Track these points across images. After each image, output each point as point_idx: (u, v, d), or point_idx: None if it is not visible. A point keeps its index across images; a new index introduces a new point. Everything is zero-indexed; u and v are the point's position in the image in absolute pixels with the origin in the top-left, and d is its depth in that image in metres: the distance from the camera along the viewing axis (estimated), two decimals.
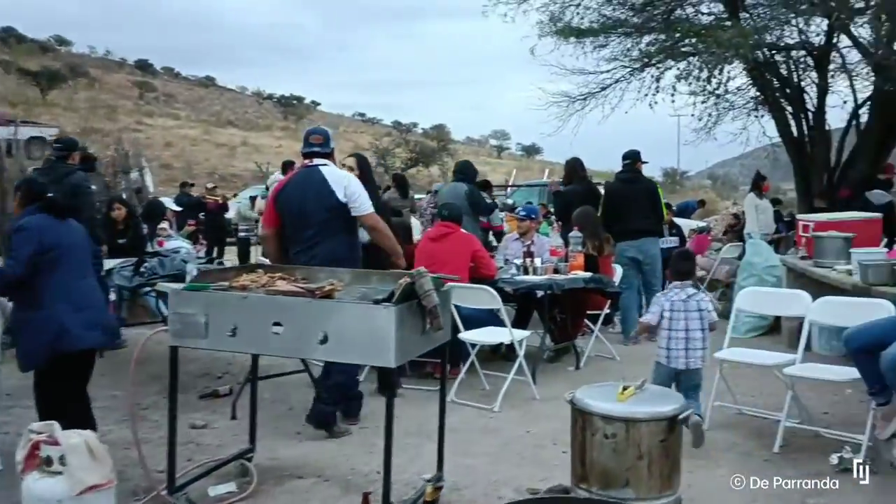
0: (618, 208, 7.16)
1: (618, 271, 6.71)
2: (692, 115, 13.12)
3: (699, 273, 9.30)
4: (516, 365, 5.15)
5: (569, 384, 5.71)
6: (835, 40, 11.79)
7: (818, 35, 11.97)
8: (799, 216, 7.04)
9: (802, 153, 12.67)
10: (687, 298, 4.37)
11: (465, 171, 7.99)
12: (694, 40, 11.46)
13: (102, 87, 54.38)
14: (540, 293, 5.83)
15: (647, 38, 13.03)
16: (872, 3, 8.81)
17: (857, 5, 9.09)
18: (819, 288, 6.18)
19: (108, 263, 6.45)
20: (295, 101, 68.37)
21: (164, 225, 9.47)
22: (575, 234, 6.21)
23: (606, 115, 13.77)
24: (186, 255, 7.46)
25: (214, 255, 13.40)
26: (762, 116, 13.49)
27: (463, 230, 5.97)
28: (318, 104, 76.71)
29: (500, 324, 5.56)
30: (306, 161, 4.66)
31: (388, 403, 3.06)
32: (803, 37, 12.31)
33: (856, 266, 5.26)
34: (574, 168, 7.81)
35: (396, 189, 10.89)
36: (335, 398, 4.54)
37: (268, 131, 53.04)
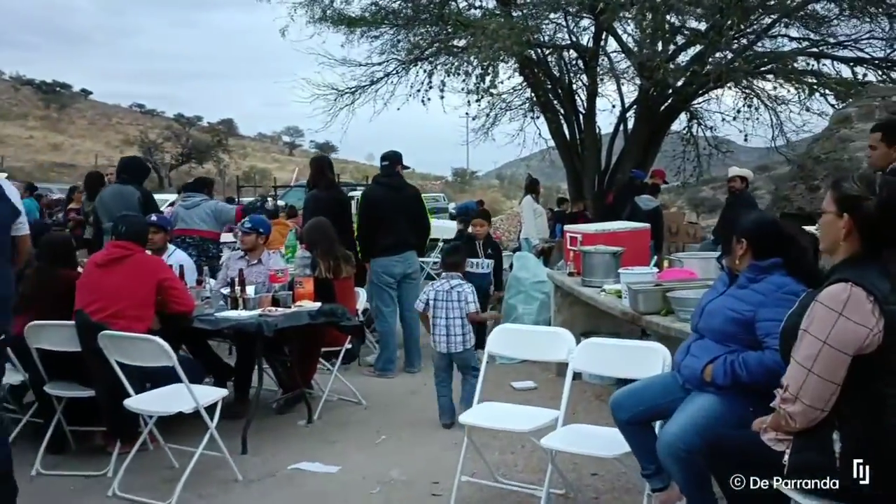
0: (384, 218, 5.99)
1: (362, 296, 5.53)
2: (467, 114, 12.53)
3: None
4: (206, 437, 3.77)
5: (292, 450, 4.44)
6: (603, 42, 11.65)
7: (585, 31, 11.80)
8: (567, 227, 6.33)
9: (574, 157, 12.47)
10: (450, 289, 4.70)
11: (130, 170, 6.43)
12: (464, 34, 10.75)
13: None
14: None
15: (419, 31, 12.22)
16: None
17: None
18: (588, 309, 5.46)
19: None
20: (59, 88, 61.51)
21: None
22: (302, 253, 4.90)
23: (378, 110, 12.84)
24: None
25: None
26: (538, 118, 13.23)
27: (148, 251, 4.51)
28: (90, 92, 69.86)
29: (192, 377, 4.19)
30: None
31: None
32: (573, 37, 12.09)
33: (625, 288, 4.50)
34: (321, 169, 6.51)
35: (86, 190, 8.61)
36: None
37: (21, 121, 46.90)
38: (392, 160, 6.24)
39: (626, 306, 4.42)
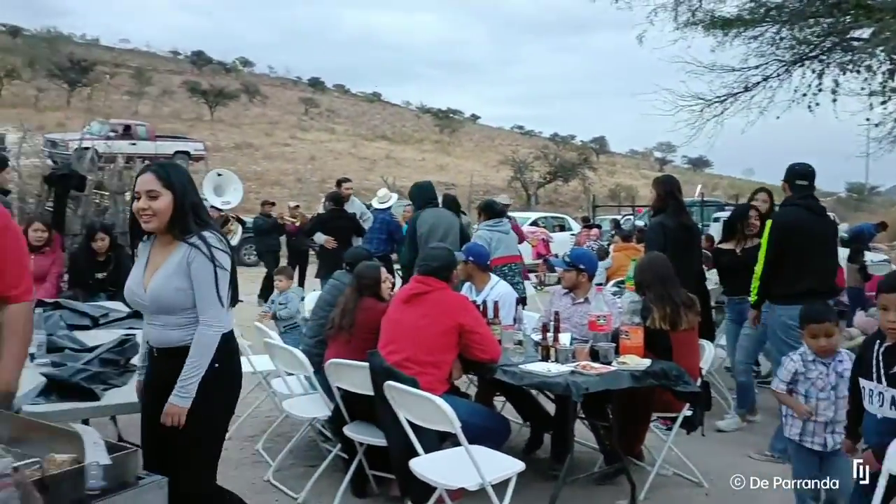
0: (801, 253, 4.78)
1: (708, 351, 4.42)
2: (868, 119, 10.25)
3: (858, 338, 6.67)
4: None
5: None
6: None
7: None
8: None
9: None
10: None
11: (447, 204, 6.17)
12: (868, 22, 8.75)
13: (272, 105, 56.94)
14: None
15: (807, 25, 10.36)
16: None
17: None
18: None
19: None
20: (452, 115, 68.29)
21: None
22: (632, 296, 3.99)
23: (752, 120, 11.18)
24: None
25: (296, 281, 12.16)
26: None
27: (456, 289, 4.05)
28: (479, 117, 76.57)
29: (494, 438, 3.61)
30: None
31: None
32: None
33: None
34: (670, 191, 5.46)
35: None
36: None
37: (418, 145, 52.98)
38: (812, 179, 4.99)
39: None
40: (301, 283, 12.36)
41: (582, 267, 4.76)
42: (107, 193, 7.36)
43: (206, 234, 2.62)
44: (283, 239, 12.50)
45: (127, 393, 3.08)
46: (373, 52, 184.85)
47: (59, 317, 4.04)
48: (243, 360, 5.05)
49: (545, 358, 3.84)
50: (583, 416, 4.23)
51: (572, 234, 17.62)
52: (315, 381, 4.08)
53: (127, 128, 26.29)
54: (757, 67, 11.05)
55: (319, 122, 56.20)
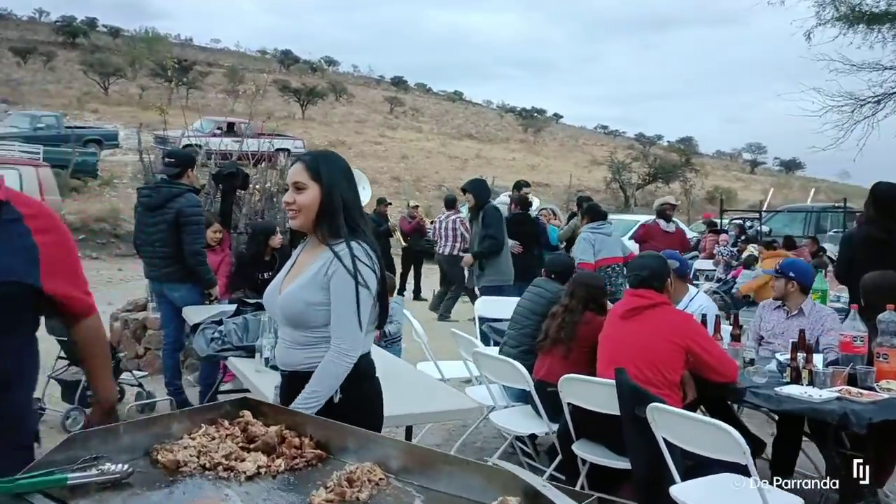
0: None
1: None
2: None
3: None
4: None
5: None
6: None
7: None
8: None
9: None
10: None
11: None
12: None
13: (358, 103, 57.64)
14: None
15: None
16: None
17: None
18: None
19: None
20: (535, 114, 67.69)
21: None
22: (891, 315, 3.63)
23: None
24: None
25: (410, 283, 11.88)
26: None
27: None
28: (561, 117, 75.51)
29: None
30: None
31: None
32: None
33: None
34: (872, 201, 4.93)
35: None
36: None
37: (504, 144, 52.70)
38: None
39: None
40: (416, 287, 12.16)
41: (791, 275, 4.42)
42: (259, 190, 7.39)
43: (353, 244, 2.26)
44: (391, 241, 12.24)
45: None
46: (452, 51, 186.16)
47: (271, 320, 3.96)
48: (429, 364, 5.00)
49: (794, 380, 3.53)
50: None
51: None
52: (535, 394, 3.87)
53: (231, 125, 26.87)
54: None
55: (405, 121, 56.55)
